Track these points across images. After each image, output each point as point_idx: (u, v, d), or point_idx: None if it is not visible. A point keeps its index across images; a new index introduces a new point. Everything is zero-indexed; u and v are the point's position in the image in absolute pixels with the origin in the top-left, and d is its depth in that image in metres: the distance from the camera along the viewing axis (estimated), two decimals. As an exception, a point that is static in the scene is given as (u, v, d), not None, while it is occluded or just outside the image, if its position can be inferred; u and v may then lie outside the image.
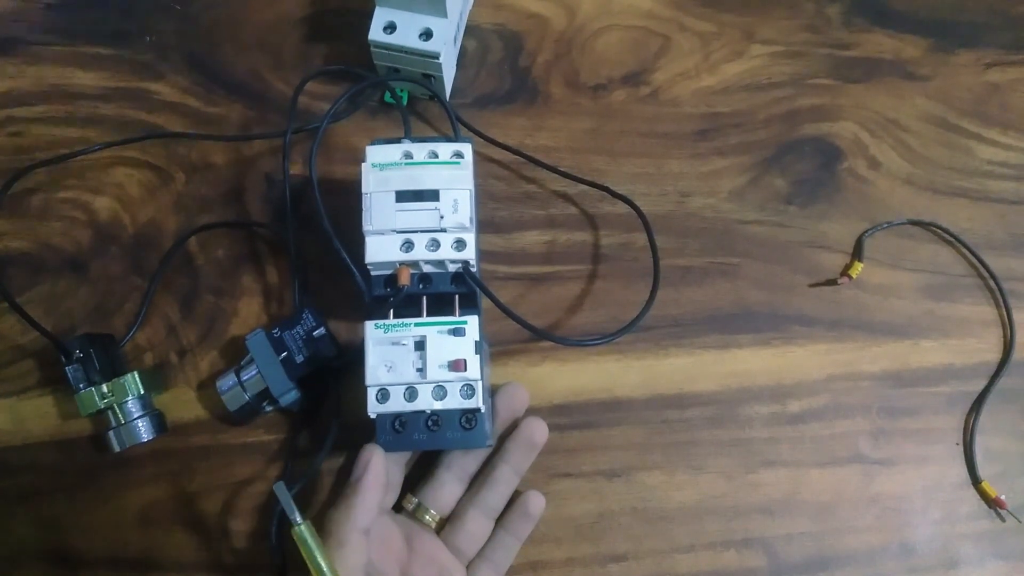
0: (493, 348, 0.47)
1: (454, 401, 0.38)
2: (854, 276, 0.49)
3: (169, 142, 0.51)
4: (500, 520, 0.43)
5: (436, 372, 0.38)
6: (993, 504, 0.46)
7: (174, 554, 0.44)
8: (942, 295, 0.50)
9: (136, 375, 0.44)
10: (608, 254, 0.49)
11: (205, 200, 0.50)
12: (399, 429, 0.39)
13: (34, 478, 0.45)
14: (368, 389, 0.38)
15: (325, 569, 0.35)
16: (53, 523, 0.44)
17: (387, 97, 0.50)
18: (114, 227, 0.49)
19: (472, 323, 0.39)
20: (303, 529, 0.36)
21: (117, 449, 0.43)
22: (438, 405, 0.38)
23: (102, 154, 0.50)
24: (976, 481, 0.47)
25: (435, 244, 0.40)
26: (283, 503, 0.36)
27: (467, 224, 0.40)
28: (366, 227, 0.40)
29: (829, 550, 0.45)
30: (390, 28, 0.47)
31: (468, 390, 0.38)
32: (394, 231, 0.40)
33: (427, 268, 0.41)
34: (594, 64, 0.54)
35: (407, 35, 0.47)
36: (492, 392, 0.43)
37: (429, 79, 0.48)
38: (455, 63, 0.52)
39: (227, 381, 0.43)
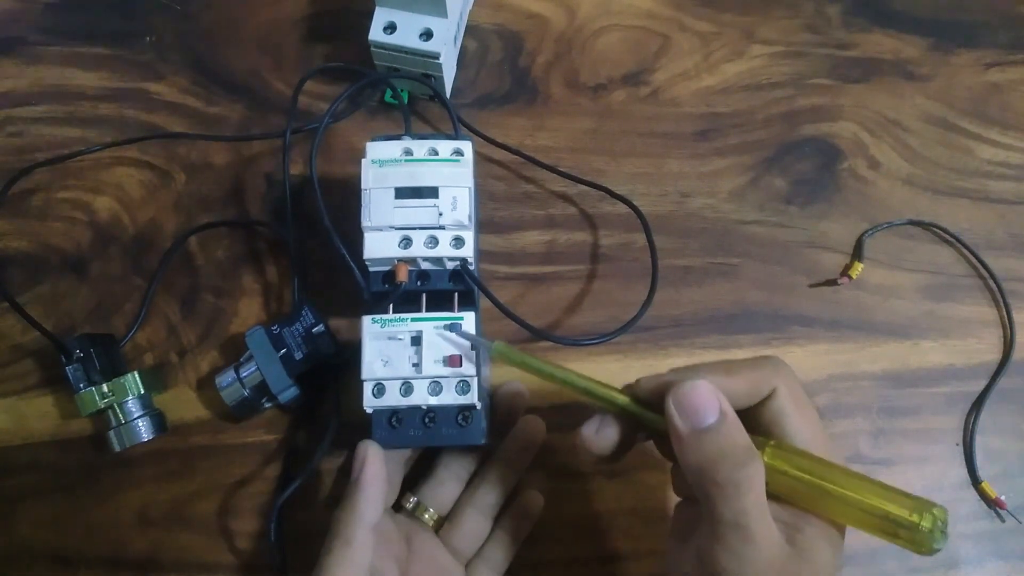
0: (493, 348, 0.47)
1: (450, 397, 0.38)
2: (854, 276, 0.49)
3: (169, 142, 0.51)
4: (499, 519, 0.43)
5: (432, 367, 0.38)
6: (993, 504, 0.46)
7: (174, 554, 0.44)
8: (942, 295, 0.50)
9: (136, 375, 0.44)
10: (608, 254, 0.49)
11: (205, 200, 0.50)
12: (395, 425, 0.39)
13: (34, 478, 0.45)
14: (364, 383, 0.38)
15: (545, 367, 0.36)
16: (53, 523, 0.44)
17: (387, 96, 0.51)
18: (114, 227, 0.49)
19: (468, 319, 0.39)
20: (500, 346, 0.37)
21: (117, 449, 0.43)
22: (433, 401, 0.38)
23: (102, 154, 0.50)
24: (976, 481, 0.46)
25: (433, 241, 0.40)
26: (471, 339, 0.38)
27: (466, 222, 0.40)
28: (365, 223, 0.40)
29: (829, 550, 0.45)
30: (390, 28, 0.47)
31: (464, 386, 0.38)
32: (392, 227, 0.40)
33: (425, 265, 0.41)
34: (594, 64, 0.54)
35: (407, 35, 0.47)
36: (492, 391, 0.43)
37: (429, 79, 0.48)
38: (455, 63, 0.52)
39: (226, 377, 0.43)
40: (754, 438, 0.32)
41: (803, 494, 0.31)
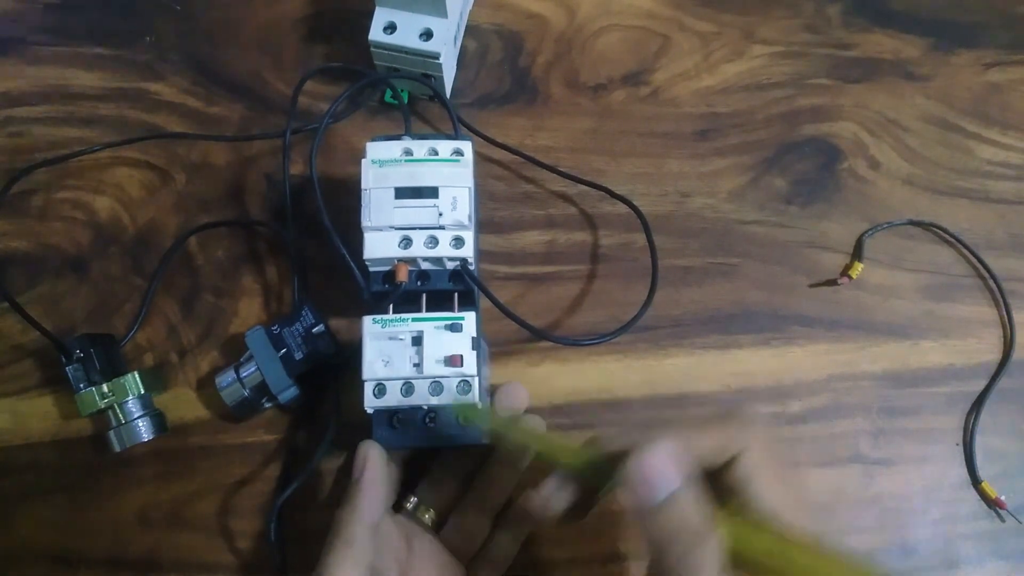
0: (493, 348, 0.47)
1: (450, 397, 0.38)
2: (854, 276, 0.49)
3: (169, 142, 0.51)
4: (499, 519, 0.43)
5: (433, 367, 0.38)
6: (993, 504, 0.46)
7: (174, 554, 0.44)
8: (942, 295, 0.50)
9: (136, 375, 0.44)
10: (608, 254, 0.49)
11: (205, 200, 0.50)
12: (396, 425, 0.39)
13: (34, 478, 0.45)
14: (365, 384, 0.38)
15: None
16: (53, 523, 0.44)
17: (387, 97, 0.51)
18: (114, 227, 0.49)
19: (469, 319, 0.39)
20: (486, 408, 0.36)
21: (117, 449, 0.43)
22: (434, 400, 0.38)
23: (102, 154, 0.50)
24: (976, 481, 0.46)
25: (433, 241, 0.40)
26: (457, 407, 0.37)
27: (466, 222, 0.40)
28: (365, 223, 0.40)
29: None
30: (390, 28, 0.47)
31: (465, 386, 0.38)
32: (392, 227, 0.40)
33: (425, 265, 0.41)
34: (594, 64, 0.54)
35: (407, 35, 0.47)
36: (491, 392, 0.43)
37: (429, 79, 0.48)
38: (455, 63, 0.52)
39: (226, 377, 0.43)
40: (716, 507, 0.30)
41: (765, 570, 0.30)
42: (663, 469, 0.29)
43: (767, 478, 0.31)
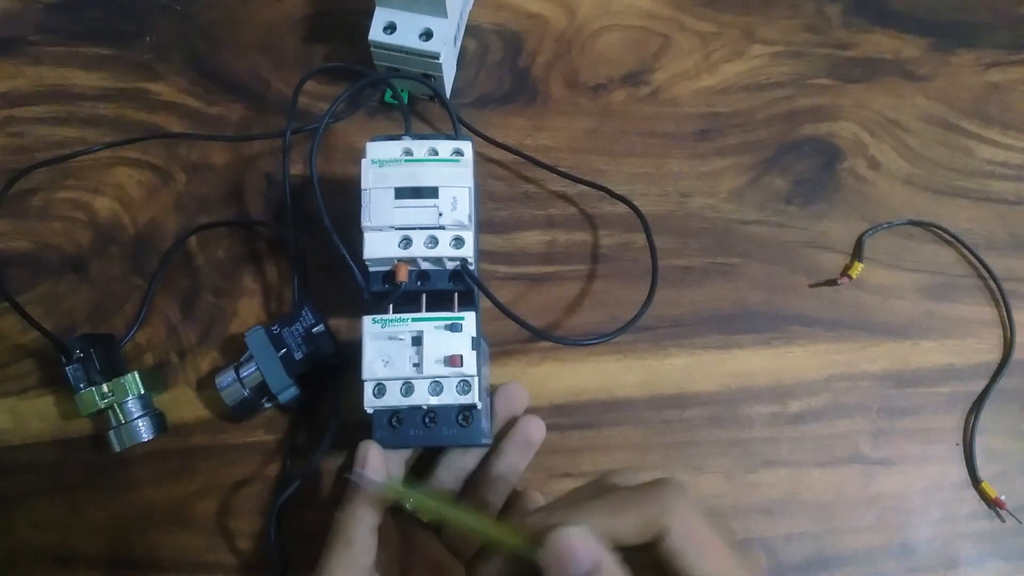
0: (493, 348, 0.47)
1: (450, 397, 0.38)
2: (854, 276, 0.49)
3: (169, 142, 0.51)
4: (499, 517, 0.43)
5: (432, 367, 0.38)
6: (993, 504, 0.46)
7: (174, 554, 0.44)
8: (942, 295, 0.50)
9: (136, 375, 0.44)
10: (608, 254, 0.49)
11: (205, 200, 0.50)
12: (395, 425, 0.39)
13: (34, 478, 0.45)
14: (364, 383, 0.38)
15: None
16: (53, 523, 0.44)
17: (387, 97, 0.51)
18: (114, 227, 0.49)
19: (469, 319, 0.39)
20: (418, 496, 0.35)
21: (117, 449, 0.43)
22: (434, 400, 0.38)
23: (102, 154, 0.50)
24: (976, 481, 0.46)
25: (433, 241, 0.40)
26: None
27: (466, 222, 0.40)
28: (364, 223, 0.40)
29: (829, 550, 0.45)
30: (390, 28, 0.47)
31: (464, 386, 0.38)
32: (392, 227, 0.40)
33: (425, 265, 0.41)
34: (594, 64, 0.54)
35: (407, 35, 0.47)
36: (491, 391, 0.43)
37: (429, 79, 0.48)
38: (455, 63, 0.52)
39: (226, 377, 0.43)
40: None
41: None
42: (579, 549, 0.29)
43: (697, 550, 0.31)
